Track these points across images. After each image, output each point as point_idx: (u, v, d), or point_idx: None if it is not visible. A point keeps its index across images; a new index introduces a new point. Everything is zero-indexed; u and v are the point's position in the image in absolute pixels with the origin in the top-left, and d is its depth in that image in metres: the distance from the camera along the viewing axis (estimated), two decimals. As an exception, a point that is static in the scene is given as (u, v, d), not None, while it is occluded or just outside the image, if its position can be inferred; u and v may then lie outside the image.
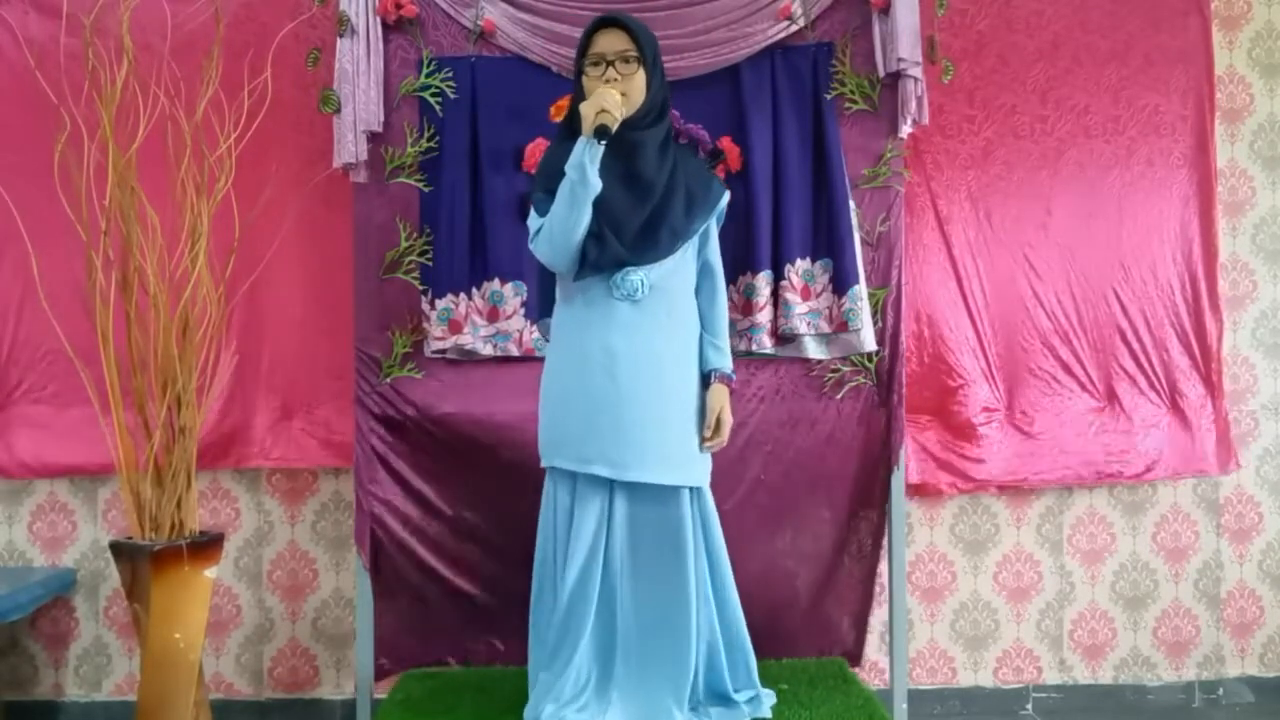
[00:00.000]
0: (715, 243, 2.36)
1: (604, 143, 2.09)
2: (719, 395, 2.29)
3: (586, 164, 2.09)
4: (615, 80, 2.16)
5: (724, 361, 2.33)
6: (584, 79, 2.20)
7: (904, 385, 2.78)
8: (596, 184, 2.11)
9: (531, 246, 2.23)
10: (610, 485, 2.24)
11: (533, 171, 2.54)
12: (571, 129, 2.22)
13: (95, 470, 2.96)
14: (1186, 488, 3.23)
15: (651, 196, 2.19)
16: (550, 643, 2.25)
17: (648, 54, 2.19)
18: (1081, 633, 3.21)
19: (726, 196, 2.35)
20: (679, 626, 2.23)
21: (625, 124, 2.14)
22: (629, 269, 2.18)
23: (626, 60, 2.17)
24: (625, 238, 2.16)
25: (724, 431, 2.28)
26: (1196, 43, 3.12)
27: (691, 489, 2.26)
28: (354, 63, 2.66)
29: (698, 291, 2.33)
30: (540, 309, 2.45)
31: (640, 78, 2.19)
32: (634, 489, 2.24)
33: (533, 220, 2.22)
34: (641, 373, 2.20)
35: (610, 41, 2.18)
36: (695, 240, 2.29)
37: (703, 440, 2.27)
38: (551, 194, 2.16)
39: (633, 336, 2.20)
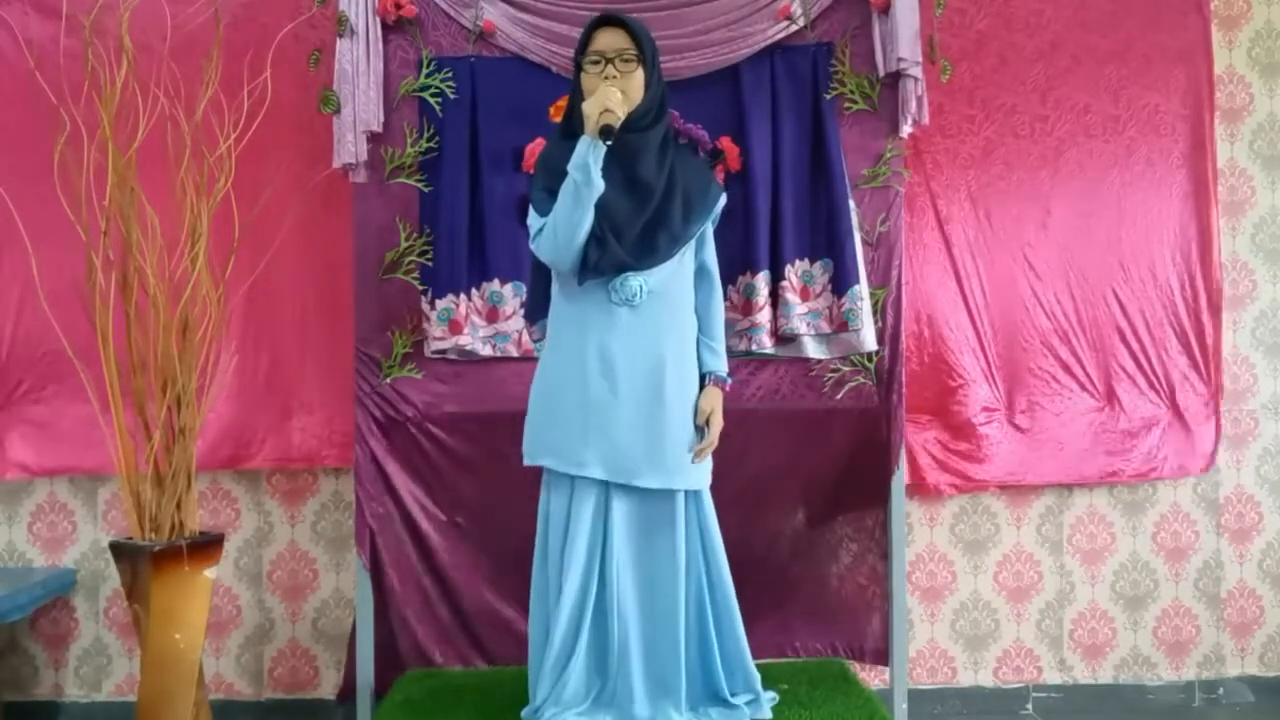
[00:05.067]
0: (711, 245, 2.35)
1: (609, 142, 2.09)
2: (711, 397, 2.29)
3: (590, 164, 2.08)
4: (615, 78, 2.15)
5: (719, 364, 2.33)
6: (583, 76, 2.20)
7: (904, 385, 2.78)
8: (600, 184, 2.10)
9: (533, 246, 2.22)
10: (606, 488, 2.23)
11: (532, 172, 2.54)
12: (570, 128, 2.22)
13: (95, 470, 2.96)
14: (1186, 488, 3.23)
15: (651, 200, 2.18)
16: (552, 645, 2.24)
17: (647, 53, 2.19)
18: (1081, 632, 3.21)
19: (723, 199, 2.34)
20: (670, 628, 2.24)
21: (624, 125, 2.13)
22: (628, 274, 2.18)
23: (626, 59, 2.17)
24: (626, 241, 2.16)
25: (713, 434, 2.27)
26: (1196, 42, 3.12)
27: (689, 492, 2.26)
28: (354, 63, 2.66)
29: (695, 294, 2.33)
30: (533, 311, 2.43)
31: (639, 76, 2.18)
32: (630, 492, 2.23)
33: (533, 220, 2.21)
34: (639, 376, 2.20)
35: (610, 40, 2.18)
36: (693, 244, 2.29)
37: (694, 444, 2.26)
38: (551, 193, 2.16)
39: (631, 341, 2.19)
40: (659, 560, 2.24)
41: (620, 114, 2.10)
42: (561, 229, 2.12)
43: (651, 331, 2.21)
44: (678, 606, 2.23)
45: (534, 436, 2.27)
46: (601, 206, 2.13)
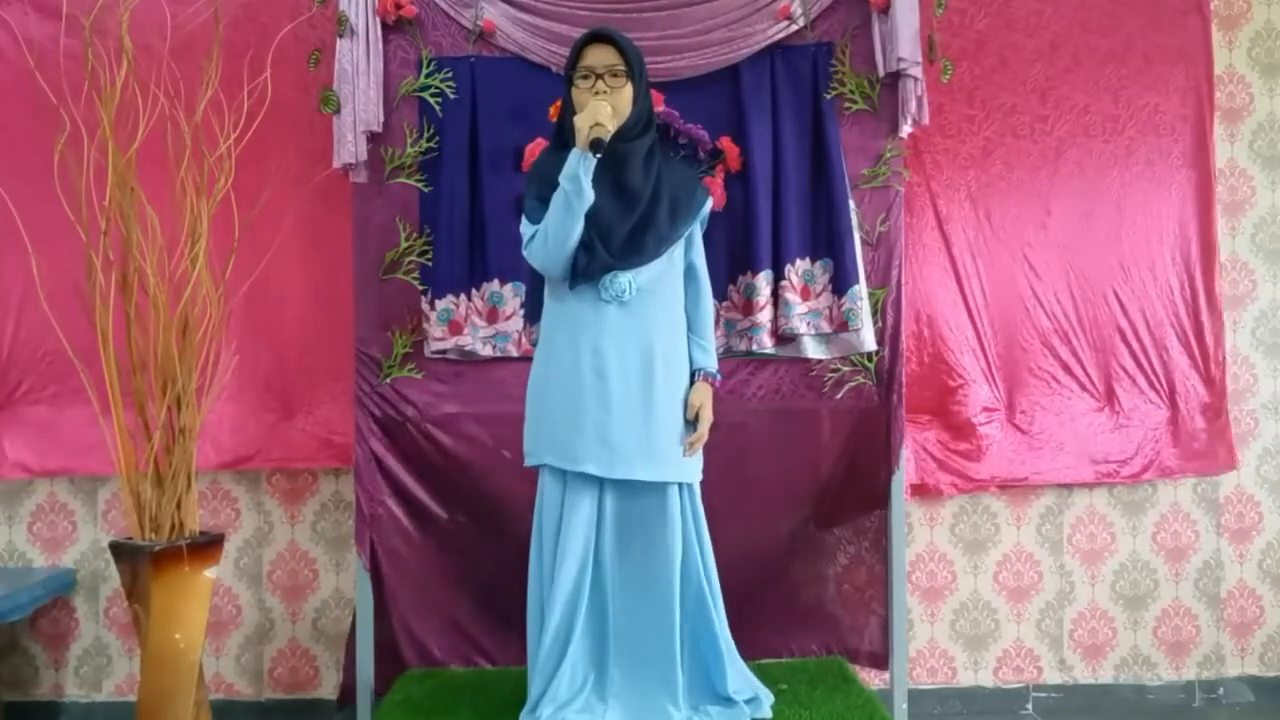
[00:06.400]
0: (699, 246, 2.39)
1: (598, 155, 2.15)
2: (700, 392, 2.32)
3: (581, 175, 2.14)
4: (604, 93, 2.21)
5: (708, 361, 2.37)
6: (574, 90, 2.26)
7: (904, 385, 2.78)
8: (590, 194, 2.16)
9: (525, 253, 2.27)
10: (600, 483, 2.26)
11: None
12: (561, 140, 2.28)
13: (95, 470, 2.96)
14: (1186, 488, 3.23)
15: (638, 205, 2.24)
16: (545, 641, 2.26)
17: (635, 68, 2.25)
18: (1081, 632, 3.21)
19: (710, 202, 2.39)
20: (664, 622, 2.25)
21: (613, 136, 2.19)
22: (617, 273, 2.22)
23: (615, 74, 2.23)
24: (613, 245, 2.21)
25: (703, 428, 2.30)
26: (1196, 42, 3.12)
27: (682, 485, 2.28)
28: (354, 63, 2.66)
29: (684, 293, 2.36)
30: (533, 313, 2.47)
31: (628, 91, 2.24)
32: (624, 486, 2.26)
33: (525, 227, 2.27)
34: (630, 372, 2.23)
35: (600, 55, 2.24)
36: (681, 244, 2.33)
37: (684, 438, 2.28)
38: (544, 201, 2.22)
39: (621, 337, 2.23)
40: (654, 555, 2.26)
41: (610, 128, 2.16)
42: (553, 237, 2.18)
43: (641, 328, 2.25)
44: (673, 601, 2.25)
45: (536, 435, 2.29)
46: (591, 213, 2.19)
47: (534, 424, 2.30)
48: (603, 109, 2.16)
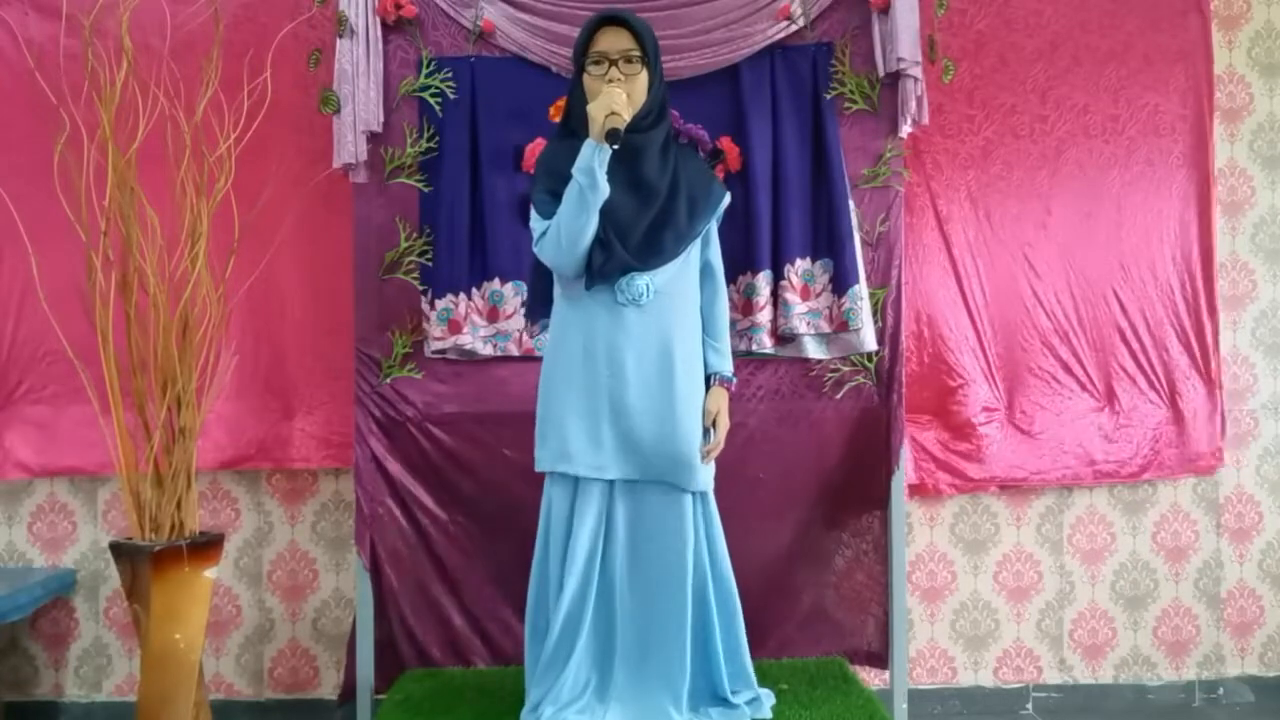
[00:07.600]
0: (716, 243, 2.34)
1: (615, 146, 2.05)
2: (717, 398, 2.28)
3: (596, 168, 2.05)
4: (619, 80, 2.12)
5: (724, 365, 2.31)
6: (585, 78, 2.16)
7: (904, 385, 2.78)
8: (605, 188, 2.07)
9: (536, 250, 2.19)
10: (610, 488, 2.23)
11: (532, 172, 2.53)
12: (569, 128, 2.20)
13: (95, 470, 2.96)
14: (1186, 487, 3.23)
15: (655, 200, 2.16)
16: (549, 644, 2.24)
17: (650, 53, 2.16)
18: (1081, 632, 3.21)
19: (727, 198, 2.33)
20: (674, 627, 2.23)
21: (628, 127, 2.09)
22: (634, 274, 2.15)
23: (630, 60, 2.14)
24: (630, 243, 2.13)
25: (720, 435, 2.27)
26: (1196, 42, 3.12)
27: (695, 493, 2.25)
28: (354, 63, 2.66)
29: (700, 292, 2.31)
30: (533, 311, 2.40)
31: (643, 78, 2.15)
32: (637, 492, 2.23)
33: (536, 223, 2.18)
34: (649, 377, 2.18)
35: (613, 40, 2.14)
36: (697, 242, 2.27)
37: (702, 447, 2.25)
38: (554, 195, 2.13)
39: (639, 341, 2.17)
40: (665, 560, 2.23)
41: (626, 117, 2.06)
42: (566, 233, 2.09)
43: (659, 331, 2.19)
44: (684, 607, 2.23)
45: (549, 440, 2.22)
46: (605, 209, 2.10)
47: (548, 429, 2.23)
48: (618, 97, 2.05)
